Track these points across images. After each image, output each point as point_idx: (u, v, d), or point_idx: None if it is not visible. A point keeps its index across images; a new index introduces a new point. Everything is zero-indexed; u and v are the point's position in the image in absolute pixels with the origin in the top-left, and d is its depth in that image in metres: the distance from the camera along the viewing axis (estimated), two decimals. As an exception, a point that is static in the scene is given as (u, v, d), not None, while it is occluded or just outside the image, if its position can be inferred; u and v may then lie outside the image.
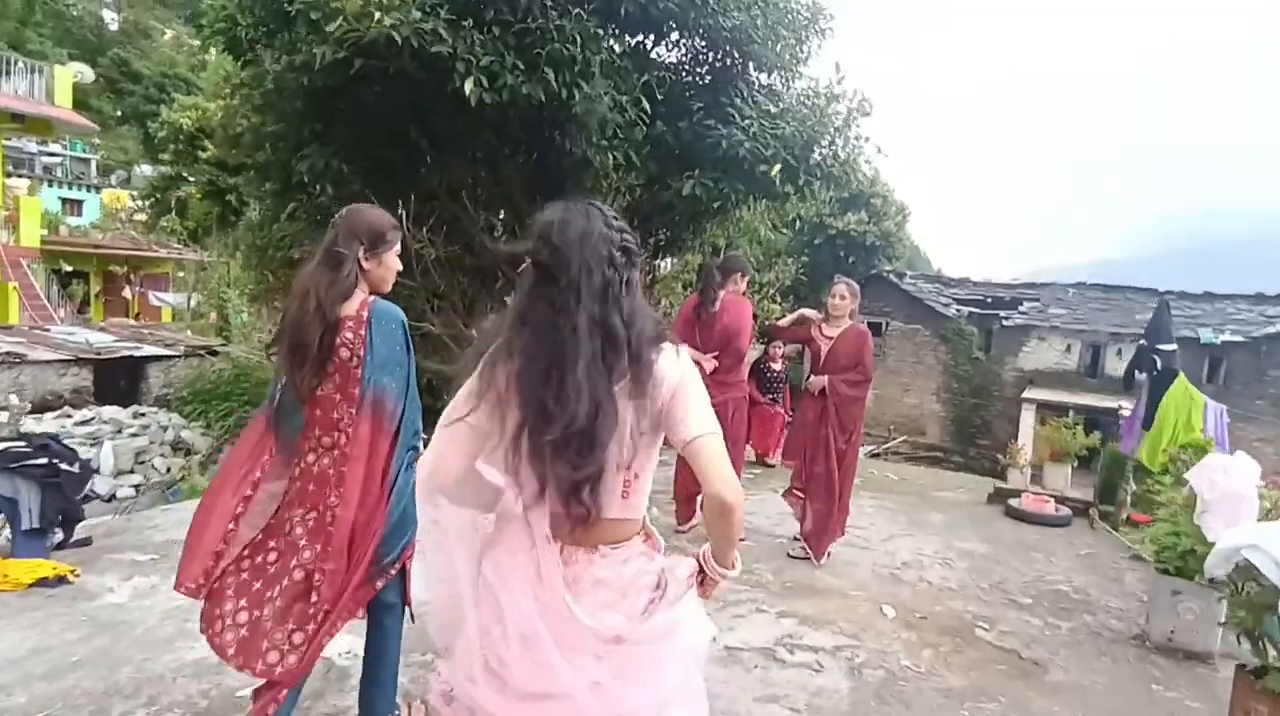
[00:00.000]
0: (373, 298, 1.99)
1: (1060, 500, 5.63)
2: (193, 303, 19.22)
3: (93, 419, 10.38)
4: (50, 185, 26.52)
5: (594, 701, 1.25)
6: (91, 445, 9.96)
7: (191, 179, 19.18)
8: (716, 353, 4.44)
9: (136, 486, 9.86)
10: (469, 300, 7.53)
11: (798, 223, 23.79)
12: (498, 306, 7.94)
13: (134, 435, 10.45)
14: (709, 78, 7.20)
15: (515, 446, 1.27)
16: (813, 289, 15.49)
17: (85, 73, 18.93)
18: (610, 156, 6.38)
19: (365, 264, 1.97)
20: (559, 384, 1.22)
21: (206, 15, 6.98)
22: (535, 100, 5.51)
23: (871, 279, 22.53)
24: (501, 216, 7.16)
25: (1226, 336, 18.37)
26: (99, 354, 11.65)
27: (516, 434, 1.27)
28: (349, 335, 1.92)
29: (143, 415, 11.03)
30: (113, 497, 9.47)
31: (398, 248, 2.08)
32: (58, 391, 10.90)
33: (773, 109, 6.42)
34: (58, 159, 28.72)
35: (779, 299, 13.75)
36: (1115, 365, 19.50)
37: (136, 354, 12.18)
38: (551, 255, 1.28)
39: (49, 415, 10.17)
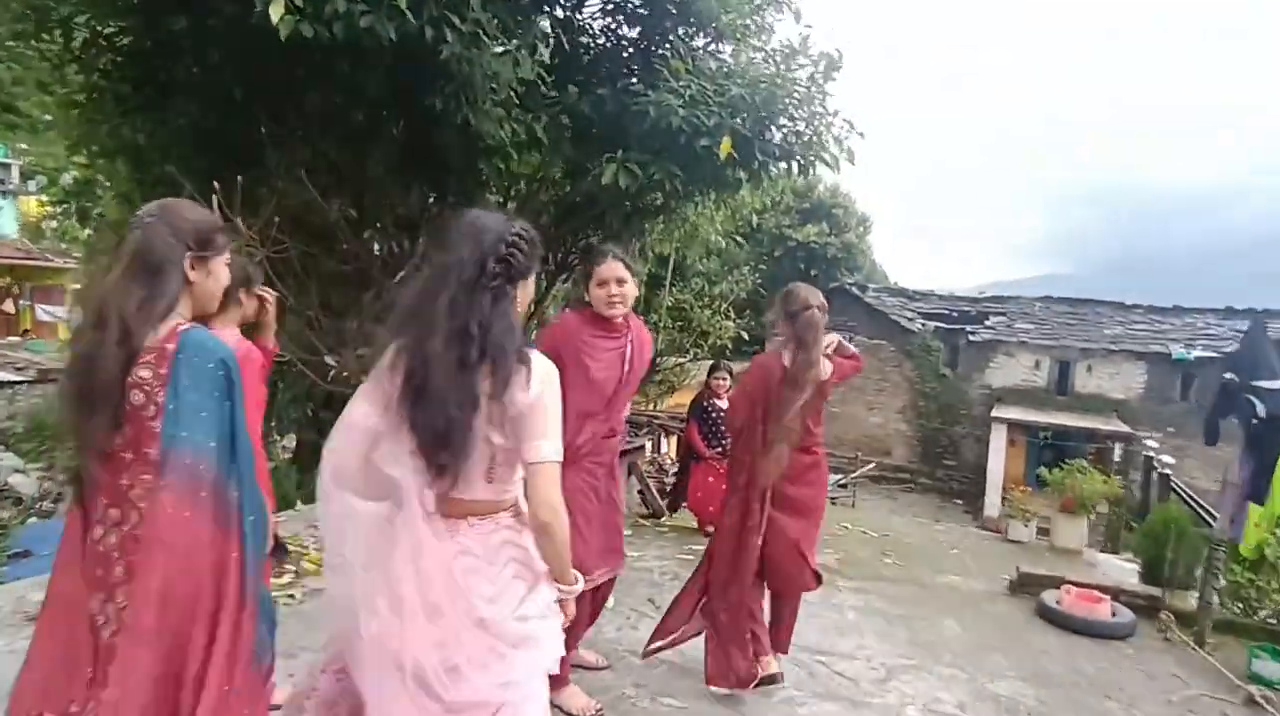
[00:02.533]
0: (187, 324, 1.53)
1: (1116, 593, 4.15)
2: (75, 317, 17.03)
3: (-110, 464, 8.38)
4: (-37, 193, 24.02)
5: (445, 676, 1.37)
6: (-120, 498, 7.98)
7: (109, 183, 17.10)
8: None
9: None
10: (335, 314, 5.84)
11: (756, 234, 22.91)
12: (372, 324, 6.31)
13: (-57, 483, 8.47)
14: (638, 35, 5.72)
15: (398, 431, 1.41)
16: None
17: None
18: (507, 128, 4.83)
19: (191, 275, 1.57)
20: (424, 371, 1.38)
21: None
22: (387, 40, 3.93)
23: (834, 292, 21.44)
24: (365, 205, 5.52)
25: (1199, 352, 17.59)
26: (-83, 381, 9.63)
27: (398, 418, 1.41)
28: (145, 373, 1.47)
29: (-37, 457, 9.05)
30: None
31: (227, 255, 1.67)
32: None
33: (715, 65, 4.95)
34: (-28, 165, 26.11)
35: (733, 314, 12.37)
36: (1085, 381, 18.67)
37: (-32, 380, 10.17)
38: (443, 237, 1.48)
39: None
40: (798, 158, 5.37)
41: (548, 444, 1.44)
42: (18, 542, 7.65)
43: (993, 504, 16.80)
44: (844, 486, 17.29)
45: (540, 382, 1.44)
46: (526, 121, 4.93)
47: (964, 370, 20.38)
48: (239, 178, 4.58)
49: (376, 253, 5.91)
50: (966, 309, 22.01)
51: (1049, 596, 3.97)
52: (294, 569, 3.67)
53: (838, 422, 20.81)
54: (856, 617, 3.74)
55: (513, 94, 4.66)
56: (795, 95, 5.18)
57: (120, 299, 1.47)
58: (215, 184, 4.39)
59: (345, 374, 5.57)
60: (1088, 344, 18.85)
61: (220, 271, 1.65)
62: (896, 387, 21.16)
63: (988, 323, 20.59)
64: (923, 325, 21.03)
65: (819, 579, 2.92)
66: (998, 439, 17.79)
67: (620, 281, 2.55)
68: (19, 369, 11.11)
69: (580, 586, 1.57)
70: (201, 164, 4.97)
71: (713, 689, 2.78)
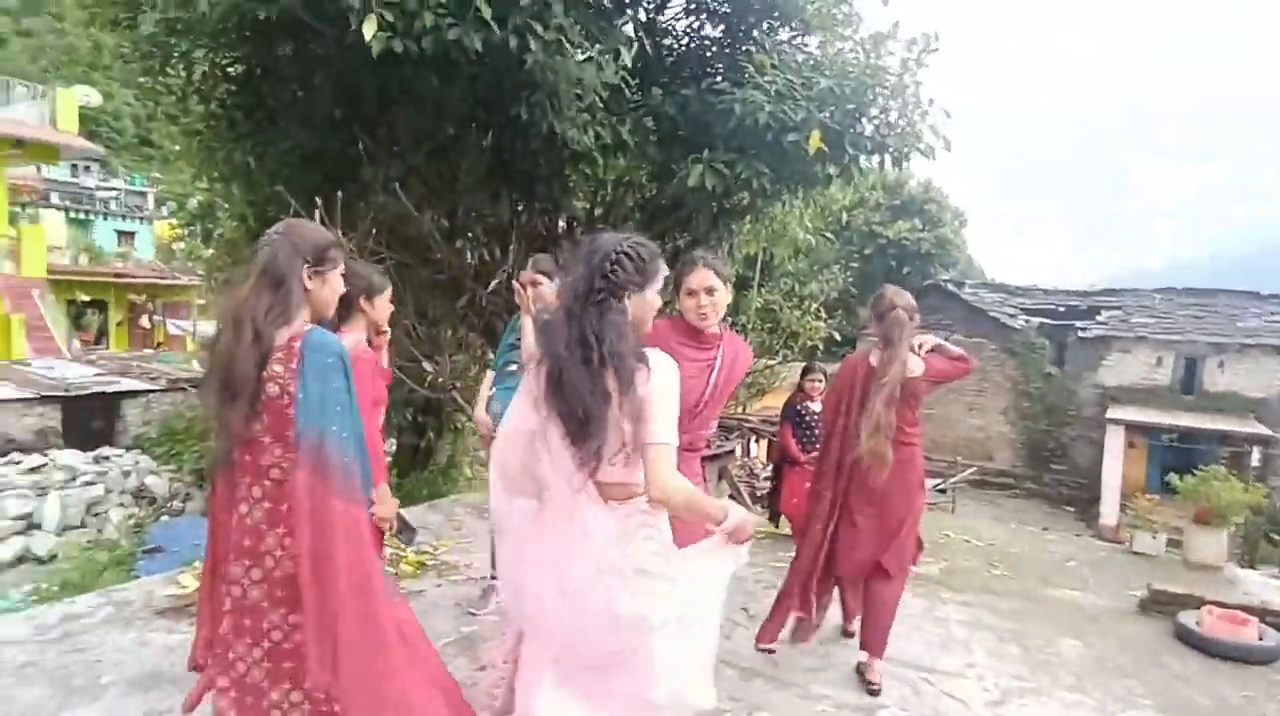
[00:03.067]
0: (309, 326, 1.75)
1: (1263, 614, 3.70)
2: (202, 330, 18.41)
3: (45, 465, 9.25)
4: (106, 218, 26.55)
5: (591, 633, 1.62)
6: (37, 496, 8.82)
7: (227, 205, 18.47)
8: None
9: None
10: (430, 322, 6.02)
11: (846, 232, 22.27)
12: (466, 331, 6.47)
13: (88, 483, 9.28)
14: (722, 33, 5.64)
15: (547, 425, 1.62)
16: (864, 304, 13.55)
17: (91, 96, 18.35)
18: (592, 133, 4.85)
19: (309, 284, 1.78)
20: (559, 371, 1.59)
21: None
22: (473, 52, 4.02)
23: (928, 289, 20.59)
24: (456, 215, 5.66)
25: (1351, 345, 15.81)
26: (67, 391, 10.60)
27: (546, 411, 1.62)
28: (278, 368, 1.69)
29: (105, 459, 9.88)
30: (53, 558, 8.26)
31: (341, 267, 1.88)
32: (14, 434, 9.84)
33: (801, 58, 4.80)
34: (114, 192, 28.85)
35: (823, 314, 12.01)
36: (1215, 379, 17.11)
37: (109, 390, 11.10)
38: (570, 260, 1.71)
39: (-5, 462, 9.07)
40: (890, 149, 5.14)
41: (658, 427, 1.59)
42: (152, 539, 8.31)
43: (1109, 512, 15.64)
44: (943, 491, 16.53)
45: (657, 376, 1.62)
46: (611, 124, 4.93)
47: (1073, 368, 19.10)
48: (339, 193, 4.82)
49: (469, 261, 6.06)
50: (1075, 303, 20.63)
51: (1187, 617, 3.58)
52: (393, 571, 3.78)
53: (935, 425, 19.92)
54: (964, 632, 3.49)
55: (597, 99, 4.67)
56: (886, 84, 4.96)
57: (253, 306, 1.70)
58: (318, 200, 4.63)
59: (441, 380, 5.73)
60: (1219, 338, 17.27)
61: (335, 281, 1.85)
62: (998, 388, 20.05)
63: (1100, 317, 19.22)
64: (1026, 322, 19.85)
65: (900, 569, 2.97)
66: (1114, 442, 16.53)
67: (710, 290, 2.40)
68: (153, 379, 12.07)
69: (736, 517, 1.66)
70: (306, 182, 5.23)
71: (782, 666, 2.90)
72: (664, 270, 1.77)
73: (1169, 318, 18.53)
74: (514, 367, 3.19)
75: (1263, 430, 15.27)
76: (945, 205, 24.34)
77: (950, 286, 20.94)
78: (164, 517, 9.28)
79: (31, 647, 2.87)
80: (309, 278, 1.78)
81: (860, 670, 2.98)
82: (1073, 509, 17.91)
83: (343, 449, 1.67)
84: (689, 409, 2.53)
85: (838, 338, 12.39)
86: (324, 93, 5.06)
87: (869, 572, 2.94)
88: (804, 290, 12.41)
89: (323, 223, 4.56)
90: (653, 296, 1.74)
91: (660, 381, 1.63)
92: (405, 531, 2.57)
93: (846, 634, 3.36)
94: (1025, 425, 19.63)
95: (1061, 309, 20.43)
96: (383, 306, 2.63)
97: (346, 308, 2.40)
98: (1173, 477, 5.56)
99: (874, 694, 2.85)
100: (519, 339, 3.29)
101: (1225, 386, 17.05)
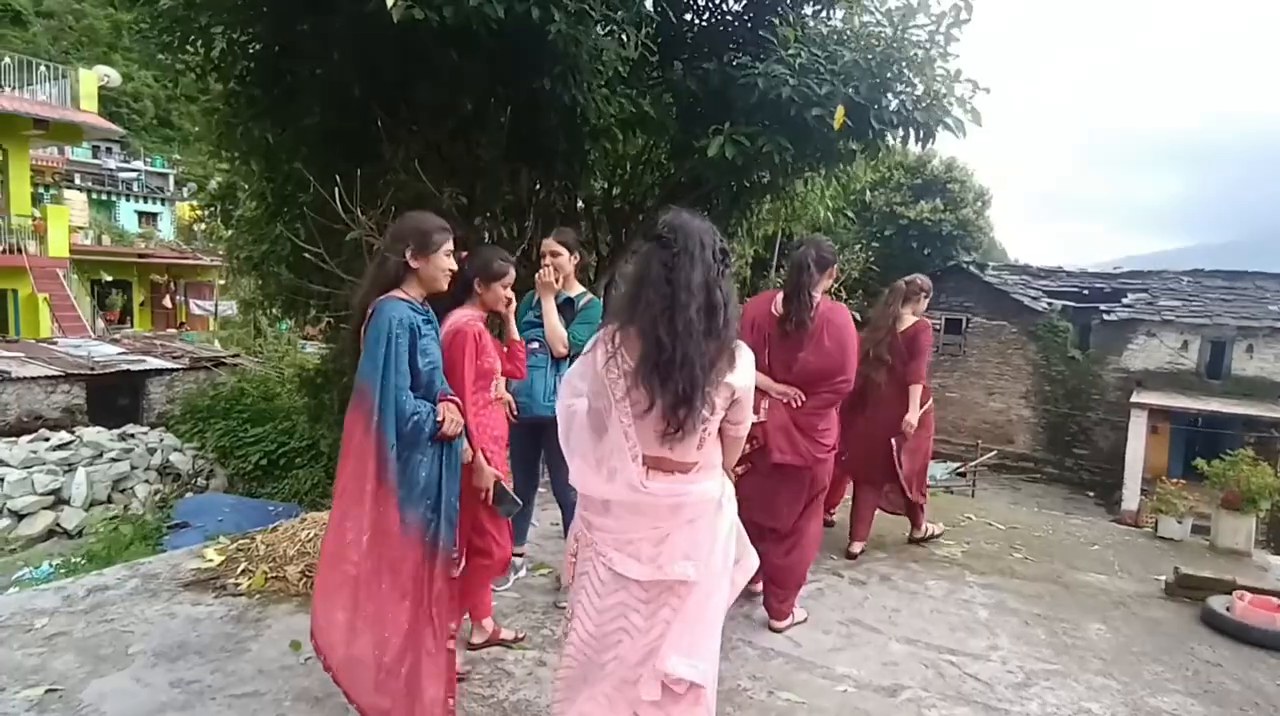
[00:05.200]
0: (386, 297, 2.11)
1: (1295, 600, 3.64)
2: (223, 310, 18.59)
3: (72, 442, 9.41)
4: (128, 200, 26.82)
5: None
6: (65, 472, 8.99)
7: (247, 185, 18.53)
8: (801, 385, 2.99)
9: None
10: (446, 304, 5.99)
11: (866, 212, 21.95)
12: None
13: (115, 459, 9.44)
14: (744, 6, 5.52)
15: (634, 378, 1.62)
16: (885, 283, 13.51)
17: (112, 76, 18.37)
18: (614, 106, 4.79)
19: (414, 263, 2.14)
20: (670, 322, 1.59)
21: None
22: (494, 23, 3.96)
23: (949, 271, 20.30)
24: (475, 193, 5.61)
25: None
26: (92, 369, 10.76)
27: (636, 366, 1.62)
28: (363, 331, 2.13)
29: (131, 436, 10.04)
30: (81, 533, 8.43)
31: (448, 246, 2.18)
32: (42, 411, 10.01)
33: (826, 31, 4.68)
34: (135, 174, 29.12)
35: (844, 294, 11.89)
36: (1244, 363, 16.77)
37: (134, 368, 11.25)
38: (670, 230, 1.65)
39: (24, 438, 9.24)
40: (917, 124, 5.01)
41: (749, 415, 1.79)
42: (177, 515, 8.46)
43: (1131, 496, 15.44)
44: (962, 475, 16.41)
45: (748, 368, 1.72)
46: (631, 98, 4.86)
47: (1096, 352, 18.80)
48: (358, 171, 4.79)
49: (487, 239, 6.03)
50: (1100, 286, 20.25)
51: (1217, 602, 3.51)
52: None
53: (954, 408, 19.73)
54: (988, 615, 3.44)
55: (618, 73, 4.60)
56: (914, 56, 4.83)
57: (365, 280, 2.21)
58: (336, 178, 4.61)
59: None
60: (1248, 321, 16.90)
61: (440, 260, 2.16)
62: (1019, 371, 19.81)
63: (1125, 300, 18.86)
64: (1049, 304, 19.53)
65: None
66: (1138, 426, 16.27)
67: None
68: (175, 358, 12.23)
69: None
70: (325, 160, 5.20)
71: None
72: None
73: (1196, 300, 18.15)
74: (535, 345, 3.17)
75: (1291, 415, 14.97)
76: (969, 185, 23.89)
77: (972, 268, 20.63)
78: (188, 494, 9.43)
79: (61, 618, 2.91)
80: (413, 258, 2.12)
81: None
82: (1093, 493, 17.71)
83: (375, 394, 2.03)
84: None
85: (858, 318, 12.25)
86: (343, 69, 5.01)
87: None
88: (823, 271, 12.29)
89: (342, 200, 4.56)
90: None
91: (752, 375, 1.75)
92: (504, 502, 2.54)
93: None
94: (1046, 409, 19.39)
95: (1086, 291, 20.08)
96: (496, 290, 2.60)
97: (466, 287, 2.55)
98: (1200, 462, 5.45)
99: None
100: (538, 316, 3.27)
101: (1255, 371, 16.72)
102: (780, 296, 3.04)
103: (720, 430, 1.76)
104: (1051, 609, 3.61)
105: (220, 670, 2.59)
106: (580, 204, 6.59)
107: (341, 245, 5.00)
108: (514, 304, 2.75)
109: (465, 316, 2.52)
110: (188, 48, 5.76)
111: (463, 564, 2.34)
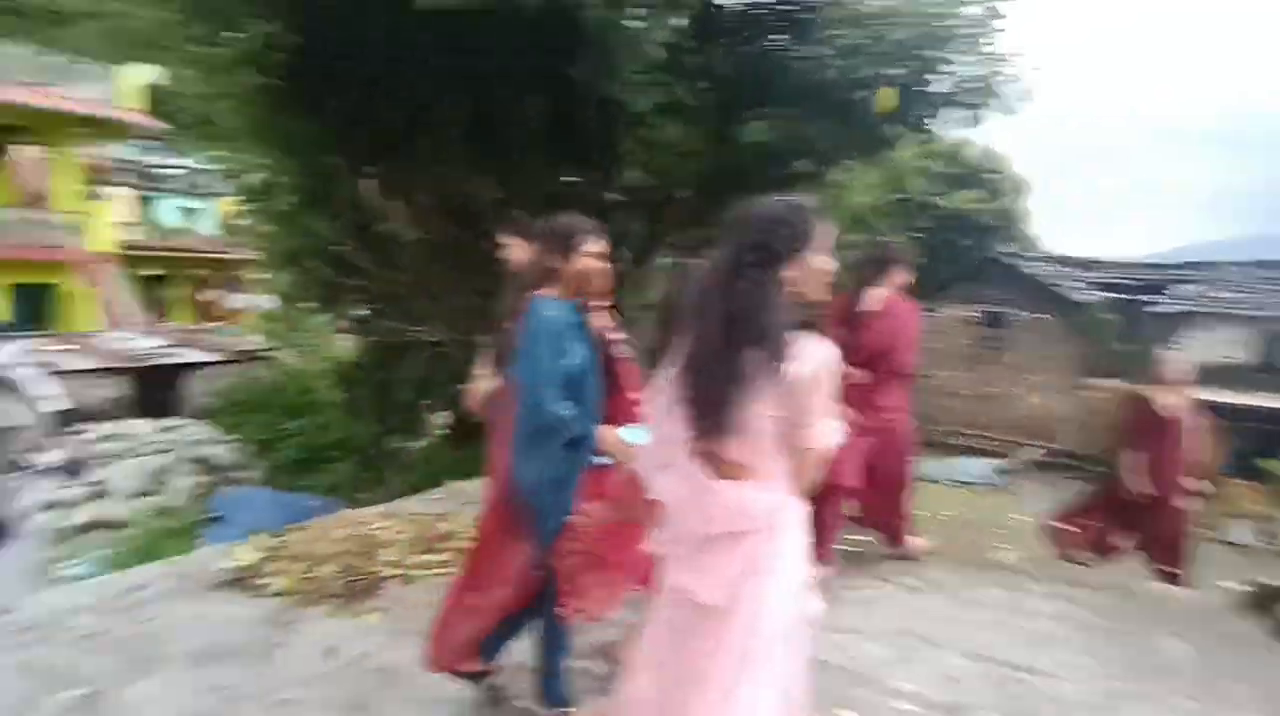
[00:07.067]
0: (535, 296, 2.15)
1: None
2: (261, 304, 18.86)
3: (115, 434, 9.58)
4: (171, 196, 27.32)
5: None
6: (108, 464, 9.15)
7: (285, 179, 18.71)
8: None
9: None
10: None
11: (903, 203, 21.45)
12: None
13: (157, 452, 9.58)
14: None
15: (675, 407, 1.56)
16: (921, 274, 13.10)
17: (155, 74, 18.69)
18: (651, 93, 4.64)
19: (560, 264, 2.18)
20: (699, 353, 1.52)
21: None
22: (529, 7, 3.84)
23: (987, 263, 19.75)
24: (510, 186, 5.51)
25: None
26: (136, 362, 10.95)
27: (675, 393, 1.56)
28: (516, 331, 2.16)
29: (172, 428, 10.19)
30: (123, 525, 8.55)
31: (585, 248, 2.19)
32: (87, 403, 10.20)
33: (870, 10, 4.48)
34: (177, 170, 29.63)
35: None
36: (1301, 358, 16.03)
37: (174, 361, 11.42)
38: (723, 226, 1.57)
39: (69, 430, 9.42)
40: (964, 104, 4.79)
41: (814, 431, 1.51)
42: (215, 508, 8.53)
43: (1240, 535, 14.80)
44: (1003, 472, 15.96)
45: (811, 366, 1.47)
46: (668, 85, 4.71)
47: (1144, 346, 18.13)
48: (393, 163, 4.72)
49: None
50: (1148, 277, 19.52)
51: (1300, 615, 3.28)
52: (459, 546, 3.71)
53: (993, 404, 19.23)
54: (1053, 627, 3.24)
55: (654, 59, 4.45)
56: (963, 34, 4.60)
57: (515, 281, 2.38)
58: (369, 171, 4.54)
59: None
60: (1308, 314, 16.14)
61: (585, 261, 2.19)
62: (1062, 366, 19.21)
63: (1173, 291, 18.14)
64: (1093, 296, 18.89)
65: None
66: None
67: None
68: (216, 351, 12.41)
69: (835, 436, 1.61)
70: (359, 153, 5.16)
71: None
72: (828, 229, 1.57)
73: (1253, 292, 17.40)
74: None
75: (1355, 413, 14.27)
76: (1008, 174, 23.22)
77: (1011, 260, 20.04)
78: (227, 488, 9.54)
79: (98, 618, 2.88)
80: (560, 257, 2.18)
81: None
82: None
83: (525, 391, 2.09)
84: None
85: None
86: (376, 61, 4.95)
87: None
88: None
89: (375, 194, 4.47)
90: (819, 261, 1.55)
91: (821, 371, 1.48)
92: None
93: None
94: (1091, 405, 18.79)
95: (1131, 283, 19.38)
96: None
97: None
98: (1268, 463, 5.15)
99: None
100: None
101: (1314, 365, 15.98)
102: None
103: (783, 435, 1.53)
104: (1120, 622, 3.39)
105: (256, 675, 2.53)
106: (615, 196, 6.46)
107: (378, 238, 4.93)
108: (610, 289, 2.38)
109: (554, 308, 2.14)
110: (217, 42, 5.74)
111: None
